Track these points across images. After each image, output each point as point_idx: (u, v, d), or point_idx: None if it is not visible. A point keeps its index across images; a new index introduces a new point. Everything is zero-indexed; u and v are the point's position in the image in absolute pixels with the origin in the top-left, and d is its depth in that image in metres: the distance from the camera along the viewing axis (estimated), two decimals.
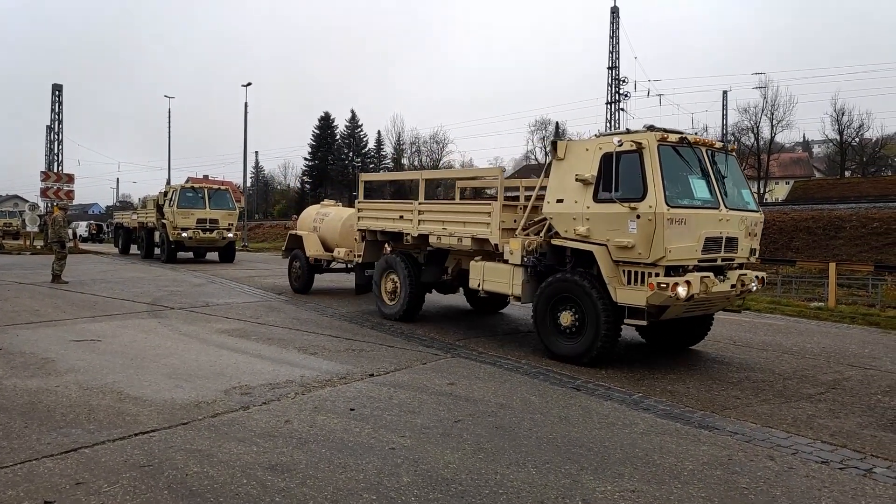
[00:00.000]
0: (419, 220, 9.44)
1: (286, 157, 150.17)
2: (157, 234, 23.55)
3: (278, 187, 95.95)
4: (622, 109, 44.71)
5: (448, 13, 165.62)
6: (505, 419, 4.99)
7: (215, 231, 21.87)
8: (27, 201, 54.74)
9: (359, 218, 10.90)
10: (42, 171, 36.03)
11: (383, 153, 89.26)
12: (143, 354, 7.05)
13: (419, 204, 9.55)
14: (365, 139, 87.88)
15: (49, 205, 35.37)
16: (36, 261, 23.34)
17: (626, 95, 44.74)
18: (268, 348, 7.63)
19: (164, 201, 22.22)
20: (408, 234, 9.61)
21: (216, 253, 23.21)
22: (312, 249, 12.91)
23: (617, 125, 44.47)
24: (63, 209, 16.74)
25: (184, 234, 21.27)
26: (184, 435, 4.42)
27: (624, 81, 44.55)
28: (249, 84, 41.76)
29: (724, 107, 59.43)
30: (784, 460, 4.30)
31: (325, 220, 13.26)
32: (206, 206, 21.82)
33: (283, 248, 14.32)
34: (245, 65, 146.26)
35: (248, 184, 53.71)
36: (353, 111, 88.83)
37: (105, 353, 7.11)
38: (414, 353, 7.54)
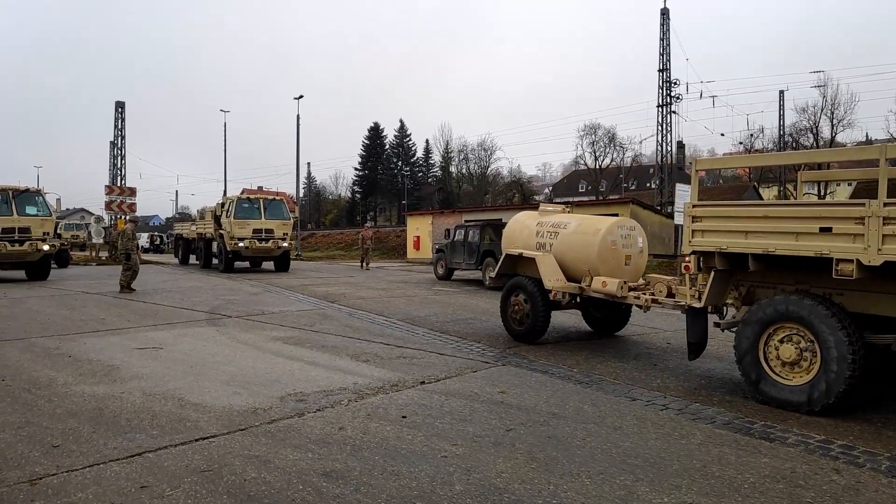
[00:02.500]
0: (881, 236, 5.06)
1: (337, 167, 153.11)
2: (214, 244, 24.18)
3: (329, 197, 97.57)
4: (674, 112, 43.85)
5: (494, 20, 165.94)
6: (557, 428, 4.94)
7: (271, 241, 22.22)
8: (93, 214, 57.13)
9: (693, 231, 6.42)
10: (106, 185, 37.66)
11: (431, 161, 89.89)
12: (203, 362, 7.26)
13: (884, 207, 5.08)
14: (413, 148, 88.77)
15: (113, 217, 36.90)
16: (102, 271, 24.40)
17: (677, 98, 43.83)
18: (321, 355, 7.76)
19: (222, 212, 22.82)
20: (850, 260, 5.18)
21: (272, 262, 23.53)
22: (552, 278, 8.56)
23: (669, 128, 43.62)
24: (133, 222, 17.56)
25: (240, 244, 21.73)
26: (242, 441, 4.53)
27: (675, 84, 43.67)
28: (301, 97, 42.68)
29: (781, 107, 57.67)
30: (851, 474, 4.12)
31: (564, 234, 8.85)
32: (261, 217, 22.28)
33: (494, 274, 10.09)
34: (297, 78, 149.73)
35: (301, 194, 54.84)
36: (401, 120, 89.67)
37: (166, 360, 7.36)
38: (464, 360, 7.55)
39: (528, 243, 9.28)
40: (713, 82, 69.10)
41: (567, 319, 11.15)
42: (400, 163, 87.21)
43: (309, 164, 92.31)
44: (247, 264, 24.36)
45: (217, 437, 4.59)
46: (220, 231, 22.74)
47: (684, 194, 20.94)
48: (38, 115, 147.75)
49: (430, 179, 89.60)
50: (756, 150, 70.98)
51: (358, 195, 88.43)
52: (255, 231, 22.06)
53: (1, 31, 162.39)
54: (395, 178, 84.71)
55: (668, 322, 11.08)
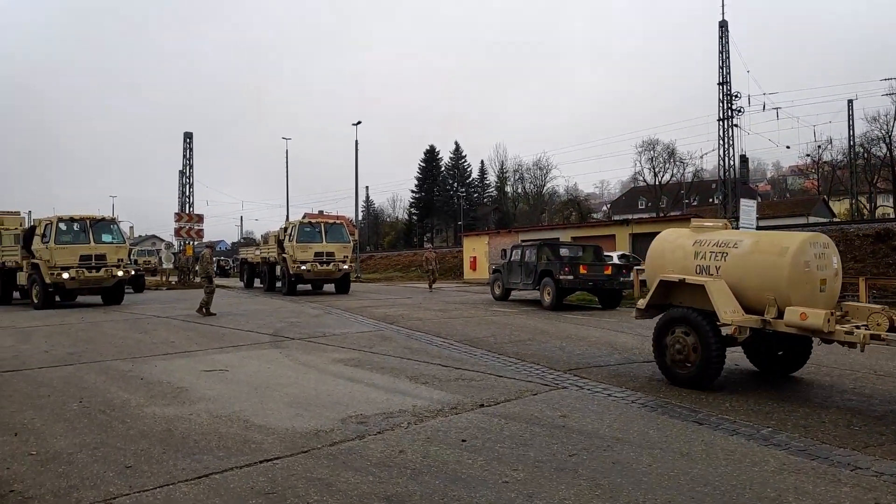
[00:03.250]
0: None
1: (394, 190, 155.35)
2: (278, 268, 24.56)
3: (387, 219, 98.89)
4: (736, 125, 42.66)
5: (549, 40, 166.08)
6: (622, 454, 4.80)
7: (332, 263, 22.57)
8: (163, 240, 59.51)
9: None
10: (175, 213, 39.27)
11: (487, 182, 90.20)
12: (267, 384, 7.42)
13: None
14: (469, 169, 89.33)
15: (182, 243, 38.41)
16: (172, 295, 25.34)
17: (739, 111, 42.65)
18: (381, 377, 7.81)
19: (285, 237, 23.21)
20: None
21: (332, 285, 23.95)
22: (728, 309, 6.92)
23: (731, 142, 42.47)
24: (210, 247, 18.28)
25: (303, 267, 22.08)
26: (304, 463, 4.59)
27: (736, 97, 42.50)
28: (359, 122, 43.62)
29: (850, 116, 55.27)
30: None
31: (737, 255, 7.18)
32: (322, 240, 22.71)
33: (642, 305, 8.12)
34: (356, 103, 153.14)
35: (360, 217, 55.76)
36: (456, 143, 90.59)
37: (232, 382, 7.55)
38: (523, 383, 7.46)
39: (685, 266, 7.64)
40: (776, 94, 66.84)
41: (628, 341, 10.90)
42: (455, 184, 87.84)
43: (367, 187, 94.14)
44: (308, 287, 24.73)
45: (280, 459, 4.66)
46: (283, 255, 23.12)
47: (749, 209, 20.26)
48: (111, 146, 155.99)
49: (485, 200, 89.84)
50: (825, 162, 68.23)
51: (415, 217, 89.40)
52: (316, 254, 22.42)
53: (79, 67, 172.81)
54: (450, 199, 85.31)
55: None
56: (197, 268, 17.35)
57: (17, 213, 26.75)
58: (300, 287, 24.02)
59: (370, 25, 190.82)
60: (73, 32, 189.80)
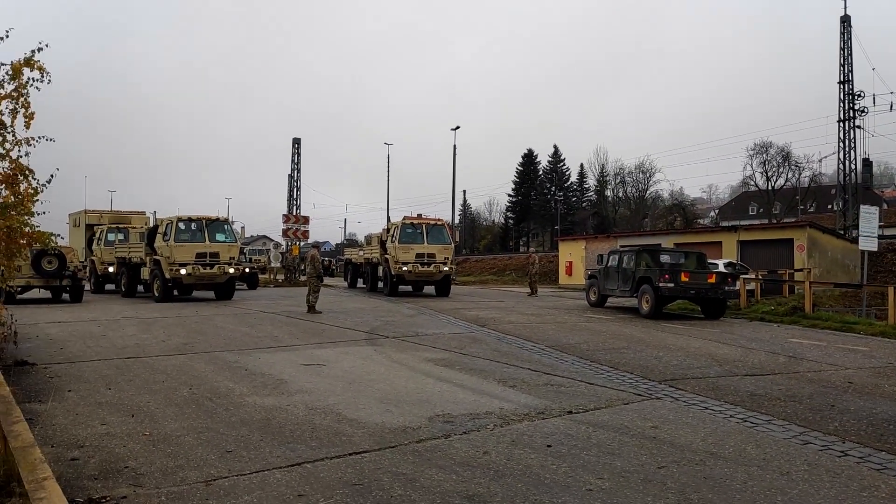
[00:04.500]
0: None
1: (490, 193, 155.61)
2: (380, 268, 24.69)
3: (483, 223, 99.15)
4: (858, 127, 39.56)
5: (654, 39, 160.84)
6: (715, 469, 4.60)
7: (432, 265, 22.45)
8: (272, 240, 62.49)
9: None
10: (284, 214, 41.25)
11: (586, 186, 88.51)
12: (360, 379, 7.67)
13: None
14: (567, 173, 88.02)
15: (289, 243, 40.27)
16: (278, 293, 26.66)
17: (862, 111, 39.53)
18: (469, 378, 7.87)
19: (387, 237, 23.36)
20: None
21: (433, 287, 23.80)
22: None
23: (852, 145, 39.45)
24: (316, 247, 19.12)
25: (404, 268, 22.13)
26: (391, 458, 4.72)
27: (860, 96, 39.41)
28: (458, 127, 44.21)
29: None
30: None
31: None
32: (424, 241, 22.57)
33: None
34: (456, 108, 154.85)
35: (456, 221, 56.31)
36: (555, 146, 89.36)
37: (328, 376, 7.86)
38: (615, 391, 7.29)
39: None
40: None
41: (730, 353, 10.39)
42: (553, 188, 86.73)
43: (465, 191, 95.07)
44: (409, 288, 24.84)
45: (369, 453, 4.81)
46: (386, 256, 23.21)
47: (870, 217, 18.75)
48: (226, 151, 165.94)
49: (584, 204, 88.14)
50: None
51: (511, 221, 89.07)
52: (417, 255, 22.33)
53: (194, 74, 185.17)
54: (547, 203, 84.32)
55: (849, 358, 9.93)
56: (307, 268, 17.99)
57: (143, 213, 29.07)
58: (401, 288, 24.08)
59: (470, 28, 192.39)
60: (182, 39, 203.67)
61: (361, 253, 28.65)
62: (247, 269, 28.37)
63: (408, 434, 5.35)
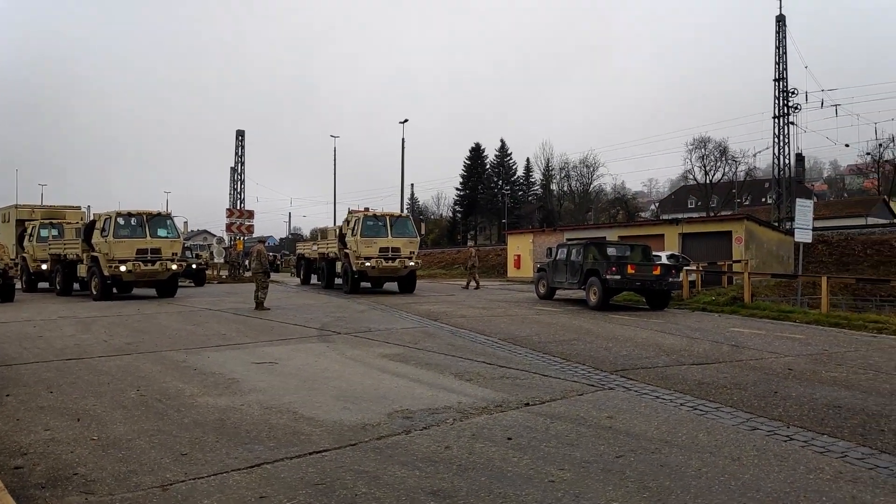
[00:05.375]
0: None
1: (439, 187, 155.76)
2: (338, 264, 23.15)
3: (431, 217, 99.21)
4: (792, 123, 41.29)
5: (599, 36, 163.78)
6: (670, 457, 4.73)
7: (397, 259, 21.10)
8: (214, 235, 61.05)
9: None
10: (227, 209, 40.30)
11: (532, 180, 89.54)
12: (315, 377, 7.56)
13: None
14: (514, 167, 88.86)
15: (233, 238, 39.36)
16: (223, 289, 26.00)
17: (795, 108, 41.27)
18: (426, 373, 7.87)
19: (347, 230, 21.83)
20: None
21: (395, 283, 22.43)
22: None
23: (786, 140, 41.15)
24: (262, 242, 18.60)
25: (367, 264, 20.67)
26: (352, 456, 4.67)
27: (793, 93, 41.14)
28: (406, 121, 43.92)
29: None
30: None
31: None
32: (388, 235, 21.23)
33: None
34: (403, 101, 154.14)
35: (405, 214, 56.24)
36: (502, 140, 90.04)
37: (281, 374, 7.72)
38: (569, 383, 7.41)
39: None
40: (835, 90, 64.01)
41: (676, 342, 10.71)
42: (500, 182, 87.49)
43: (412, 185, 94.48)
44: (367, 284, 22.78)
45: (329, 452, 4.75)
46: (346, 250, 21.71)
47: (805, 209, 19.61)
48: (166, 144, 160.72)
49: (530, 198, 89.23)
50: (886, 161, 65.52)
51: (459, 215, 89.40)
52: (381, 250, 20.94)
53: (135, 65, 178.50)
54: (495, 197, 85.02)
55: (788, 346, 10.38)
56: (253, 264, 17.31)
57: (79, 208, 27.88)
58: (361, 285, 22.23)
59: (418, 21, 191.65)
60: (127, 27, 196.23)
61: (315, 247, 26.94)
62: (193, 266, 27.50)
63: (367, 431, 5.31)
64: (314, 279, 27.63)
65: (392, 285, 23.04)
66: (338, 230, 23.15)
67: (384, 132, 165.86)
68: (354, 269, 21.03)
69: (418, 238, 22.37)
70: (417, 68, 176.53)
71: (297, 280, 30.01)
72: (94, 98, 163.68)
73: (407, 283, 22.24)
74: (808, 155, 68.23)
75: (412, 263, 21.57)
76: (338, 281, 23.76)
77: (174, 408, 6.04)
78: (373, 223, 21.60)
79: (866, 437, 5.34)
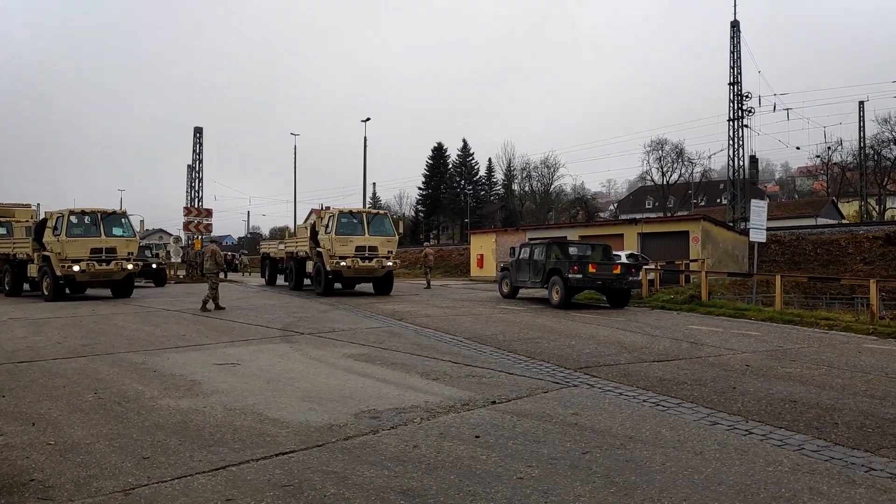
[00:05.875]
0: None
1: (401, 187, 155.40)
2: (309, 263, 21.85)
3: (394, 216, 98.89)
4: (746, 126, 42.43)
5: (558, 40, 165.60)
6: (635, 452, 4.82)
7: (374, 259, 19.89)
8: (171, 234, 59.74)
9: None
10: (185, 207, 39.43)
11: (494, 180, 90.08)
12: (279, 378, 7.46)
13: None
14: (476, 167, 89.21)
15: (191, 237, 38.56)
16: (180, 289, 25.44)
17: (749, 111, 42.43)
18: (392, 373, 7.84)
19: (321, 228, 20.64)
20: None
21: (369, 284, 21.32)
22: None
23: (741, 142, 42.29)
24: (216, 242, 18.09)
25: (342, 263, 19.45)
26: (319, 456, 4.62)
27: (747, 97, 42.27)
28: (368, 119, 43.80)
29: (861, 118, 55.10)
30: None
31: None
32: (364, 233, 20.14)
33: None
34: (364, 99, 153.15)
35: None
36: (464, 140, 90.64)
37: (244, 375, 7.60)
38: (534, 380, 7.48)
39: None
40: (787, 94, 66.13)
41: (637, 340, 10.90)
42: (463, 182, 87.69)
43: (374, 184, 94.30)
44: (340, 286, 21.67)
45: (296, 453, 4.69)
46: (318, 249, 20.48)
47: (759, 210, 20.18)
48: (120, 140, 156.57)
49: (492, 198, 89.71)
50: (834, 164, 67.86)
51: (421, 214, 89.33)
52: (357, 248, 19.71)
53: (84, 61, 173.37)
54: (457, 196, 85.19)
55: (744, 343, 10.67)
56: (207, 263, 16.69)
57: (29, 206, 26.96)
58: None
59: (380, 21, 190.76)
60: (77, 25, 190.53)
61: (282, 246, 25.45)
62: (153, 265, 26.84)
63: (334, 432, 5.26)
64: (280, 280, 26.58)
65: (365, 286, 22.16)
66: (309, 227, 21.83)
67: (346, 131, 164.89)
68: (329, 268, 19.80)
69: (396, 237, 21.21)
70: (380, 67, 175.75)
71: (262, 281, 28.57)
72: (42, 93, 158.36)
73: (383, 284, 21.08)
74: (761, 157, 70.50)
75: (390, 263, 20.40)
76: (307, 282, 22.76)
77: (134, 410, 5.89)
78: (348, 220, 20.34)
79: (821, 430, 5.53)
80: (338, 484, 4.06)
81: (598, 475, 4.30)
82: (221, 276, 16.27)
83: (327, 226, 20.27)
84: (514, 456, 4.68)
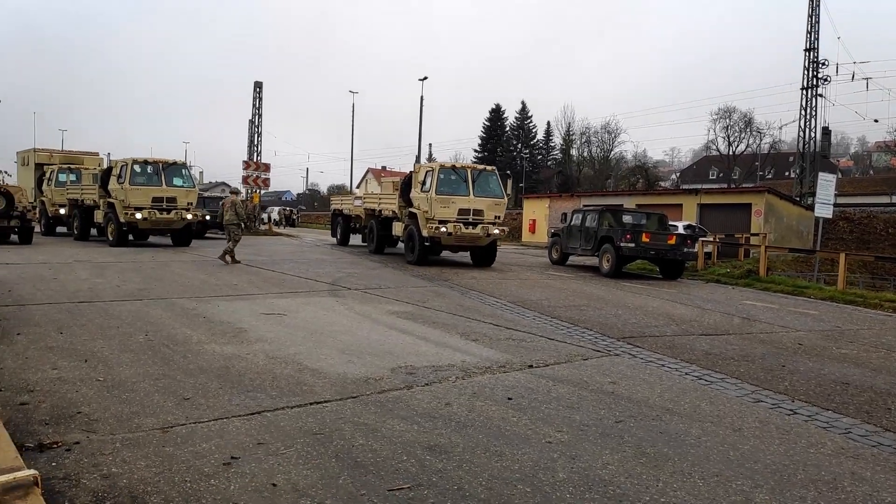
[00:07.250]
0: None
1: (457, 148, 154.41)
2: (397, 224, 18.85)
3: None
4: (821, 95, 40.09)
5: (631, 2, 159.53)
6: (671, 424, 4.71)
7: (479, 226, 16.58)
8: (230, 187, 61.20)
9: None
10: (244, 161, 40.19)
11: (552, 144, 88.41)
12: (322, 330, 7.60)
13: None
14: (534, 130, 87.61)
15: (249, 191, 39.44)
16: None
17: (825, 80, 40.04)
18: (432, 331, 7.88)
19: (416, 184, 17.29)
20: None
21: (468, 253, 18.42)
22: None
23: (813, 113, 40.11)
24: (236, 193, 17.58)
25: (442, 229, 16.15)
26: (353, 408, 4.69)
27: (824, 64, 39.84)
28: (426, 78, 43.34)
29: None
30: None
31: None
32: (469, 193, 16.62)
33: None
34: (425, 59, 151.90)
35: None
36: (523, 102, 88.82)
37: (289, 326, 7.77)
38: (575, 347, 7.39)
39: None
40: (868, 63, 61.79)
41: (686, 313, 10.62)
42: (520, 145, 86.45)
43: (430, 144, 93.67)
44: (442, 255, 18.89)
45: (330, 403, 4.78)
46: (412, 209, 17.27)
47: (827, 184, 19.21)
48: (186, 94, 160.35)
49: (549, 162, 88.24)
50: None
51: None
52: (460, 212, 16.36)
53: (152, 7, 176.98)
54: (513, 160, 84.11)
55: (800, 321, 10.27)
56: (227, 215, 15.90)
57: (97, 154, 27.99)
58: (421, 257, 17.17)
59: None
60: None
61: (359, 203, 21.97)
62: (197, 214, 26.50)
63: (370, 385, 5.33)
64: (356, 241, 23.68)
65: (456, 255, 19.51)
66: (400, 182, 18.83)
67: (403, 90, 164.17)
68: (426, 234, 16.40)
69: (505, 199, 17.44)
70: (439, 27, 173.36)
71: (317, 237, 27.00)
72: (119, 45, 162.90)
73: (485, 255, 17.84)
74: (836, 129, 66.61)
75: (496, 231, 16.87)
76: (399, 246, 19.68)
77: (180, 353, 6.10)
78: (454, 177, 16.90)
79: (872, 414, 5.28)
80: (367, 435, 4.12)
81: (630, 445, 4.22)
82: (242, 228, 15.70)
83: (424, 182, 16.94)
84: (545, 420, 4.64)
